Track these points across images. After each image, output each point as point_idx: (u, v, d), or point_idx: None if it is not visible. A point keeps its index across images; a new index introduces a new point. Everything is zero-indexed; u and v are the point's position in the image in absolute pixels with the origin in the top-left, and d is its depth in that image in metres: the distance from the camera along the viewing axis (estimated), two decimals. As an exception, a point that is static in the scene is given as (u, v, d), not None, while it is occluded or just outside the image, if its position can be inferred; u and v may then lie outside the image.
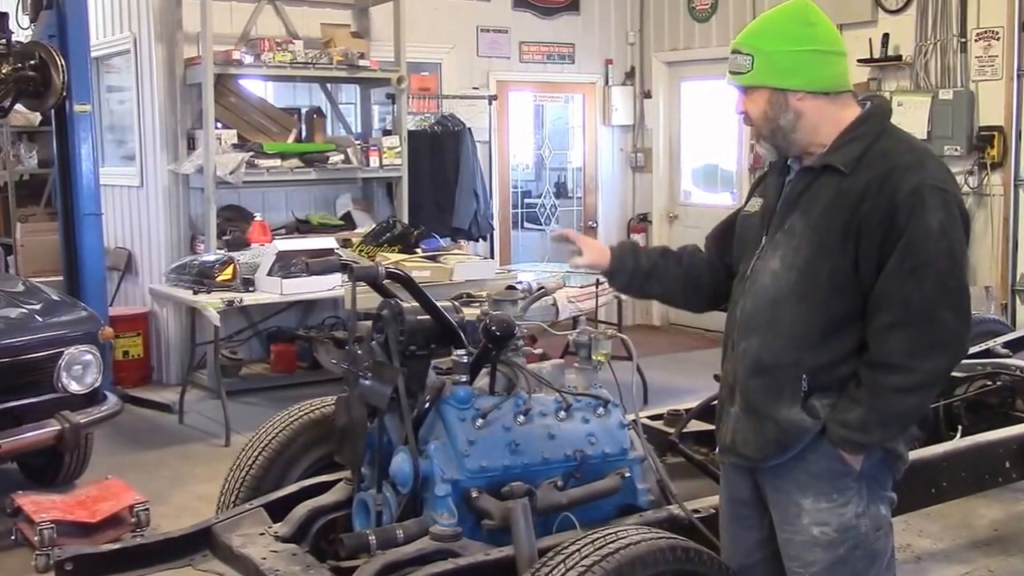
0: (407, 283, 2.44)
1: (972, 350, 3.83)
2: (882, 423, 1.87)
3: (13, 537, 3.56)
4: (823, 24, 1.93)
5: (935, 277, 1.81)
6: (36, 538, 3.40)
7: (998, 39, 5.70)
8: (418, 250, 5.61)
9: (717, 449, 2.13)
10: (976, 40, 5.78)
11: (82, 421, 3.79)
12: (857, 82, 6.20)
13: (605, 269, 2.25)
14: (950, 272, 1.82)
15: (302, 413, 2.77)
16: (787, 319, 1.91)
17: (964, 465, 2.96)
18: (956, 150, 5.78)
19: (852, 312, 1.89)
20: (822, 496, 1.94)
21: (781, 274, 1.93)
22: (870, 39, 6.12)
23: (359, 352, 2.43)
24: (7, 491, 3.73)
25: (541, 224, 7.97)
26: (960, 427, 3.39)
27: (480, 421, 2.35)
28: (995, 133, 5.70)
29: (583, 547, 2.01)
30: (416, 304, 2.42)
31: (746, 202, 2.14)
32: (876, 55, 6.10)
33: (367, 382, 2.36)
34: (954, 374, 3.52)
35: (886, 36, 6.10)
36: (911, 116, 5.80)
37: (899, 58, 6.05)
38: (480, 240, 6.96)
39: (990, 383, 3.53)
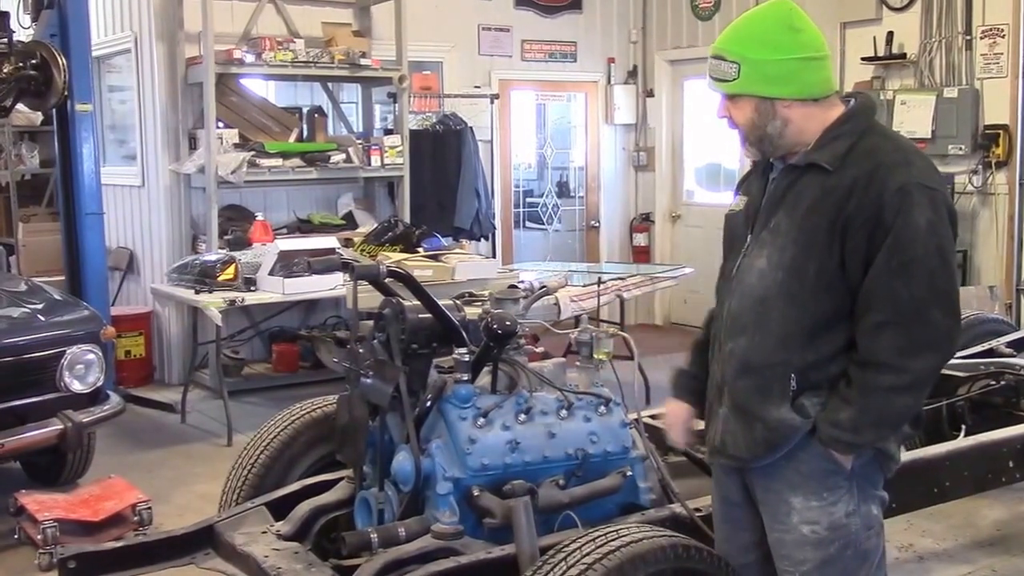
0: (409, 282, 2.44)
1: (976, 349, 3.82)
2: (874, 423, 1.86)
3: (16, 536, 3.57)
4: (808, 29, 1.90)
5: (925, 275, 1.80)
6: (39, 537, 3.40)
7: (1003, 36, 5.68)
8: (420, 249, 5.60)
9: (706, 450, 2.13)
10: (981, 37, 5.77)
11: (84, 420, 3.79)
12: (861, 80, 6.20)
13: (698, 415, 2.17)
14: (940, 270, 1.81)
15: (304, 412, 2.77)
16: (775, 318, 1.90)
17: (967, 465, 2.95)
18: (961, 149, 5.77)
19: (840, 310, 1.88)
20: (812, 495, 1.93)
21: (768, 273, 1.92)
22: (874, 37, 6.11)
23: (361, 351, 2.43)
24: (10, 490, 3.73)
25: (543, 223, 7.96)
26: (963, 427, 3.38)
27: (481, 420, 2.35)
28: (1000, 132, 5.68)
29: (584, 545, 2.01)
30: (418, 303, 2.42)
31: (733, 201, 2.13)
32: (880, 53, 6.08)
33: (369, 381, 2.36)
34: (957, 374, 3.52)
35: (890, 34, 6.08)
36: (915, 115, 5.79)
37: (903, 56, 6.04)
38: (482, 239, 6.95)
39: (994, 383, 3.52)
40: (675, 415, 2.20)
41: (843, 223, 1.83)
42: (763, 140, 1.93)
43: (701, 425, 2.15)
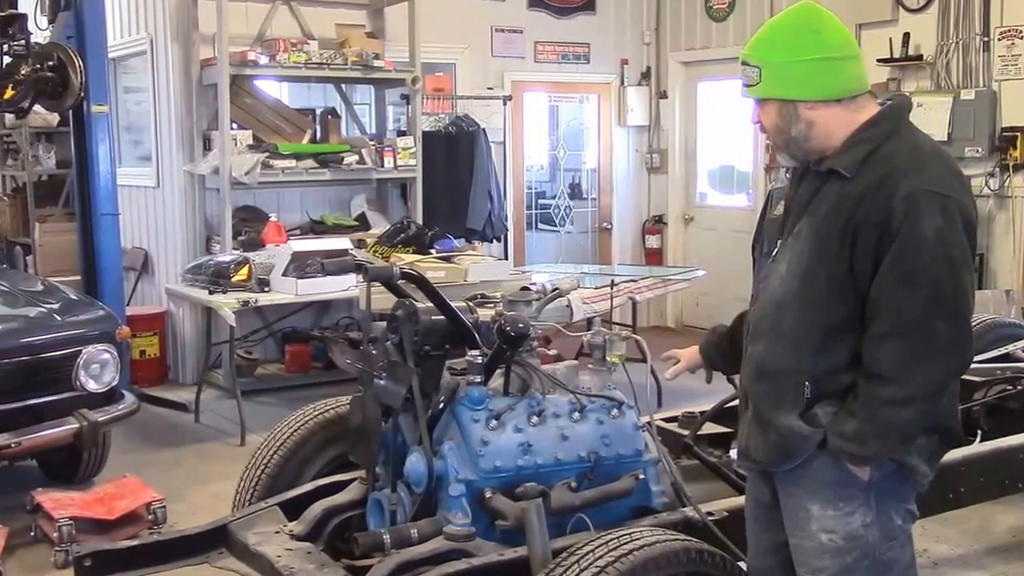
0: (422, 283, 2.44)
1: (992, 354, 3.78)
2: (878, 435, 1.84)
3: (33, 533, 3.60)
4: (830, 29, 1.89)
5: (929, 285, 1.76)
6: (55, 534, 3.43)
7: (1022, 38, 5.63)
8: (432, 251, 5.61)
9: (734, 454, 2.13)
10: (999, 39, 5.72)
11: (100, 419, 3.82)
12: (876, 82, 6.15)
13: (700, 363, 2.31)
14: (947, 279, 1.77)
15: (317, 413, 2.78)
16: (788, 324, 1.90)
17: (983, 470, 2.93)
18: (977, 151, 5.72)
19: (852, 319, 1.86)
20: (828, 504, 1.92)
21: (787, 279, 1.91)
22: (890, 39, 6.07)
23: (374, 352, 2.43)
24: (27, 488, 3.76)
25: (555, 225, 7.96)
26: (979, 432, 3.35)
27: (494, 422, 2.35)
28: (1018, 134, 5.63)
29: (597, 548, 2.01)
30: (431, 305, 2.42)
31: (773, 206, 2.10)
32: (896, 55, 6.05)
33: (382, 382, 2.36)
34: (973, 378, 3.48)
35: (907, 35, 6.05)
36: (931, 117, 5.74)
37: (920, 58, 6.00)
38: (494, 241, 6.96)
39: (1010, 388, 3.49)
40: (684, 354, 2.33)
41: (853, 229, 1.82)
42: (789, 144, 1.92)
43: (689, 365, 2.30)
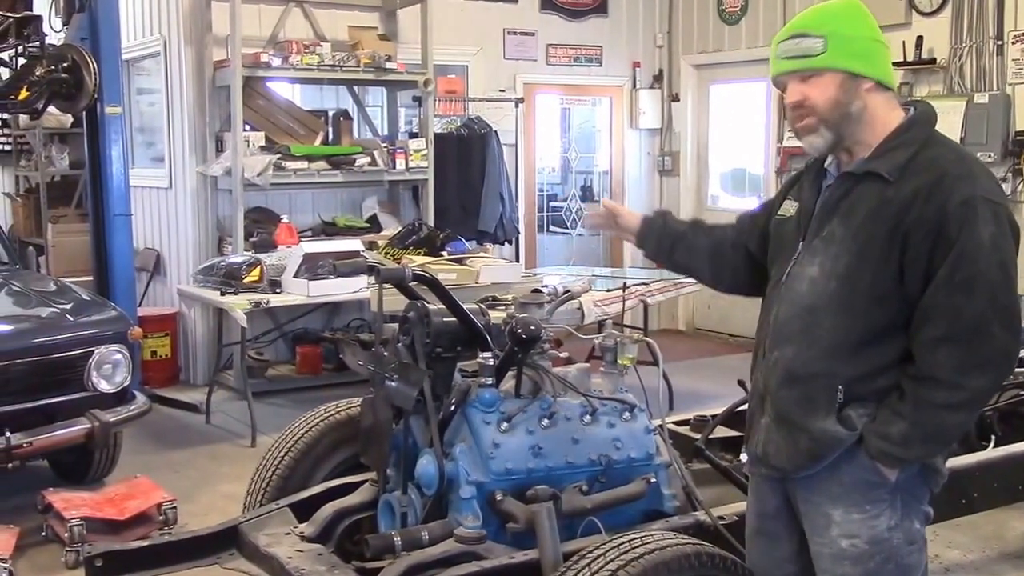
0: (433, 285, 2.44)
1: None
2: (925, 439, 1.84)
3: (44, 533, 3.62)
4: (874, 21, 1.93)
5: (987, 291, 1.77)
6: (66, 534, 3.45)
7: (1034, 42, 5.60)
8: (444, 253, 5.61)
9: (745, 459, 2.10)
10: (1013, 42, 5.68)
11: (111, 420, 3.84)
12: (888, 85, 6.12)
13: (636, 230, 2.26)
14: (1001, 286, 1.78)
15: (328, 414, 2.78)
16: (824, 328, 1.88)
17: (996, 476, 2.91)
18: (991, 156, 5.68)
19: (893, 323, 1.85)
20: (853, 507, 1.90)
21: (819, 282, 1.89)
22: (903, 42, 6.04)
23: (385, 354, 2.43)
24: (38, 488, 3.79)
25: (567, 227, 7.95)
26: (993, 437, 3.33)
27: (505, 424, 2.34)
28: (1031, 138, 5.60)
29: (608, 551, 2.00)
30: (442, 306, 2.42)
31: (779, 205, 2.09)
32: (910, 58, 6.01)
33: (393, 384, 2.36)
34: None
35: (920, 39, 6.01)
36: (945, 121, 5.68)
37: (933, 61, 5.97)
38: (506, 243, 6.96)
39: (1023, 393, 3.46)
40: (626, 212, 2.30)
41: (903, 233, 1.80)
42: (843, 121, 1.86)
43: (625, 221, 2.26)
